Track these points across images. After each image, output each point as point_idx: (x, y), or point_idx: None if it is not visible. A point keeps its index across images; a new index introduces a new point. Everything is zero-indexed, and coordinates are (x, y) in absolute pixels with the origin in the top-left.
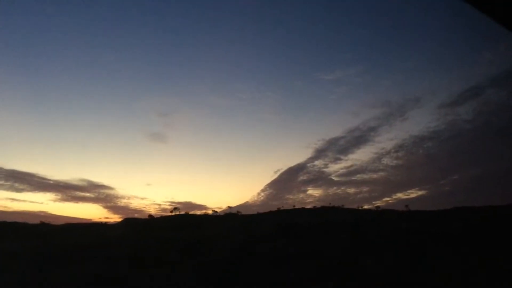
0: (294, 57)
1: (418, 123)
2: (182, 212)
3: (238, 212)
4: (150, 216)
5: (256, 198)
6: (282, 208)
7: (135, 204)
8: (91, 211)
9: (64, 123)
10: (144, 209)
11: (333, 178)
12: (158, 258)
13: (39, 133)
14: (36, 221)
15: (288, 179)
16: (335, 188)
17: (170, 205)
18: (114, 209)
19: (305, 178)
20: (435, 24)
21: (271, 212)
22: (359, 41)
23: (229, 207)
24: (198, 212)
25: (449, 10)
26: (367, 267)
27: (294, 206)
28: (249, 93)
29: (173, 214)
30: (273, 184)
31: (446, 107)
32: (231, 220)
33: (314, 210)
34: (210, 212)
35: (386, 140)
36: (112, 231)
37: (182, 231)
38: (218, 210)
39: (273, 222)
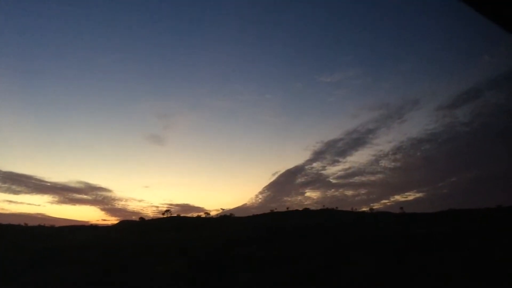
0: (294, 59)
1: (416, 125)
2: (174, 215)
3: (231, 214)
4: (141, 218)
5: (254, 201)
6: (275, 211)
7: (132, 206)
8: (88, 213)
9: (62, 125)
10: (141, 211)
11: (331, 180)
12: (134, 260)
13: (37, 135)
14: (33, 223)
15: (286, 181)
16: (333, 190)
17: (168, 207)
18: (112, 211)
19: (303, 180)
20: (434, 27)
21: (264, 214)
22: (359, 44)
23: (222, 209)
24: (191, 215)
25: (448, 12)
26: (351, 270)
27: (287, 208)
28: (248, 95)
29: (165, 216)
30: (271, 186)
31: (444, 109)
32: (221, 223)
33: (307, 212)
34: (202, 214)
35: (384, 143)
36: (100, 233)
37: (167, 234)
38: (216, 212)
39: (260, 225)
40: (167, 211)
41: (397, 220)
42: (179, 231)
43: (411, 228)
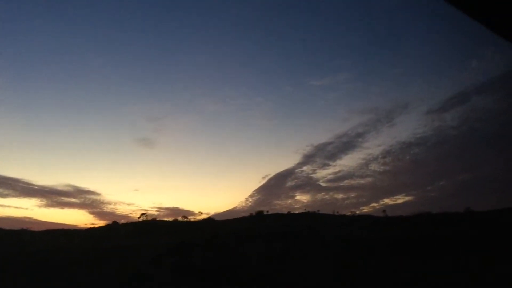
0: (284, 63)
1: (405, 129)
2: (150, 219)
3: (209, 218)
4: (114, 222)
5: (244, 204)
6: (253, 214)
7: (121, 209)
8: (77, 217)
9: (51, 128)
10: (130, 214)
11: (321, 183)
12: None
13: (25, 137)
14: (20, 227)
15: (276, 184)
16: (323, 193)
17: (157, 210)
18: (100, 214)
19: (293, 183)
20: (424, 31)
21: (243, 218)
22: (349, 48)
23: (200, 212)
24: (173, 219)
25: (437, 17)
26: (315, 272)
27: (267, 211)
28: (238, 99)
29: (140, 220)
30: (261, 190)
31: (433, 113)
32: (196, 226)
33: (288, 215)
34: (180, 218)
35: (373, 146)
36: (71, 238)
37: (126, 239)
38: (205, 216)
39: (236, 228)
40: (142, 214)
41: (377, 223)
42: (139, 236)
43: (385, 231)
